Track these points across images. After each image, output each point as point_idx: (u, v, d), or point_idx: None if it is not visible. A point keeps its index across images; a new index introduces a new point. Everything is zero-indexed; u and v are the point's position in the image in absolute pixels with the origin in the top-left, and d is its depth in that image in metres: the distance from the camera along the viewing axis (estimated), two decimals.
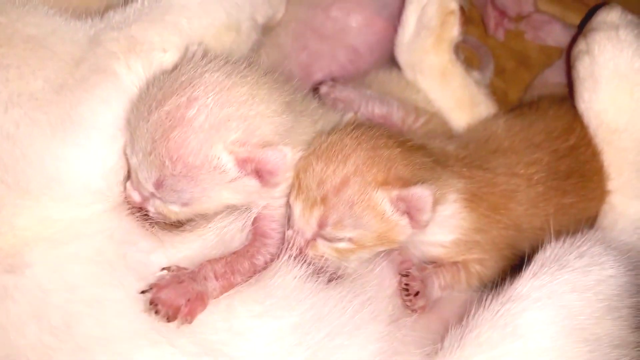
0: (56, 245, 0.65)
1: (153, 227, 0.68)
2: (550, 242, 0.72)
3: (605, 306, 0.68)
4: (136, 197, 0.67)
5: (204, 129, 0.63)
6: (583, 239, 0.72)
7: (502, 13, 1.09)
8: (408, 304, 0.71)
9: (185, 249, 0.67)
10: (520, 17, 1.09)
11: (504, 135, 0.83)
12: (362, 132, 0.70)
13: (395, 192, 0.67)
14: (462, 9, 0.88)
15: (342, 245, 0.69)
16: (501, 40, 1.10)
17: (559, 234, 0.73)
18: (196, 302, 0.62)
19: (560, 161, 0.82)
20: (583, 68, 0.83)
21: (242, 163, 0.64)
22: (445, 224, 0.74)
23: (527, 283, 0.67)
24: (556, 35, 1.08)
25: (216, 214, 0.69)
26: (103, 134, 0.67)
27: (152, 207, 0.67)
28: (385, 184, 0.67)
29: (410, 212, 0.68)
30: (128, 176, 0.68)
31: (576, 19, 1.06)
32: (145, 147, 0.64)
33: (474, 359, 0.66)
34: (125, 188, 0.68)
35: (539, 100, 0.92)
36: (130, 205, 0.68)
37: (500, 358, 0.65)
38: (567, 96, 0.90)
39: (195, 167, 0.63)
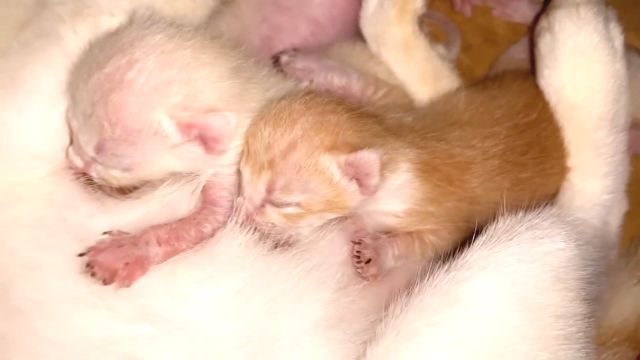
0: None
1: (96, 192, 0.66)
2: (504, 214, 0.70)
3: (551, 277, 0.67)
4: (78, 162, 0.66)
5: (144, 91, 0.61)
6: (536, 212, 0.71)
7: None
8: (359, 271, 0.70)
9: (129, 215, 0.66)
10: None
11: (464, 108, 0.83)
12: (312, 98, 0.69)
13: (342, 157, 0.66)
14: None
15: (290, 210, 0.68)
16: (468, 16, 1.08)
17: (515, 209, 0.72)
18: (135, 266, 0.61)
19: (520, 136, 0.81)
20: (544, 45, 0.83)
21: (184, 128, 0.63)
22: (398, 194, 0.73)
23: (474, 253, 0.66)
24: (523, 12, 1.07)
25: (162, 181, 0.67)
26: (45, 98, 0.66)
27: (94, 172, 0.65)
28: (332, 148, 0.66)
29: (358, 177, 0.67)
30: (71, 141, 0.66)
31: None
32: (85, 109, 0.62)
33: (416, 324, 0.64)
34: (67, 153, 0.66)
35: (502, 75, 0.90)
36: (74, 171, 0.66)
37: (442, 324, 0.64)
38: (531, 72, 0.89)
39: (134, 130, 0.62)
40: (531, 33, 0.94)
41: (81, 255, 0.61)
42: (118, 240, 0.62)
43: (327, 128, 0.67)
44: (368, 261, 0.70)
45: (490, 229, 0.69)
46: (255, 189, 0.67)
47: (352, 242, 0.71)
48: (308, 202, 0.68)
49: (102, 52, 0.63)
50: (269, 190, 0.67)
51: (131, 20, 0.67)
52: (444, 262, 0.68)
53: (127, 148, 0.63)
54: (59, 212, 0.65)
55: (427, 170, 0.74)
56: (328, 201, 0.68)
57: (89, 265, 0.60)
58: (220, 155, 0.66)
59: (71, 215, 0.65)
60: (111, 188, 0.66)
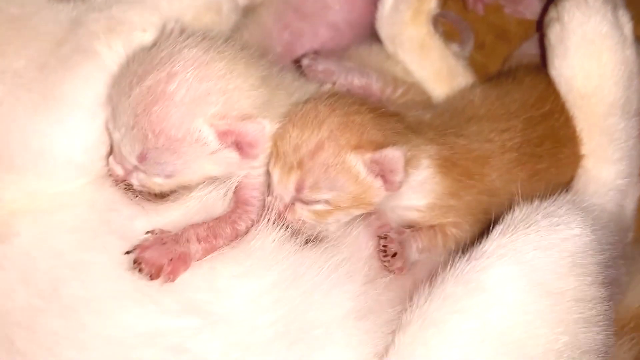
0: (42, 215, 0.67)
1: (136, 196, 0.69)
2: (520, 203, 0.72)
3: (569, 262, 0.68)
4: (119, 171, 0.69)
5: (185, 102, 0.64)
6: (552, 200, 0.73)
7: None
8: (386, 264, 0.73)
9: (168, 216, 0.69)
10: None
11: (479, 103, 0.84)
12: (336, 99, 0.72)
13: (368, 155, 0.69)
14: None
15: (319, 207, 0.71)
16: (480, 14, 1.09)
17: (532, 198, 0.74)
18: (178, 262, 0.64)
19: (534, 128, 0.83)
20: (554, 35, 0.84)
21: (222, 136, 0.66)
22: (420, 189, 0.75)
23: (493, 242, 0.68)
24: (534, 9, 1.07)
25: (198, 184, 0.70)
26: (85, 111, 0.69)
27: (135, 180, 0.69)
28: (358, 147, 0.69)
29: (383, 173, 0.69)
30: (111, 151, 0.70)
31: None
32: (127, 121, 0.65)
33: (440, 312, 0.67)
34: (108, 162, 0.69)
35: (515, 69, 0.92)
36: (113, 178, 0.69)
37: (465, 311, 0.66)
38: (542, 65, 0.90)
39: (177, 139, 0.65)
40: (540, 25, 0.96)
41: (128, 253, 0.64)
42: (161, 238, 0.65)
43: (352, 128, 0.70)
44: (394, 255, 0.73)
45: (508, 218, 0.71)
46: (285, 188, 0.70)
47: (378, 236, 0.74)
48: (336, 199, 0.70)
49: (141, 66, 0.66)
50: (298, 189, 0.70)
51: (164, 34, 0.70)
52: (464, 252, 0.70)
53: (170, 156, 0.66)
54: (102, 216, 0.68)
55: (447, 166, 0.77)
56: (355, 198, 0.71)
57: (136, 261, 0.63)
58: (255, 159, 0.70)
59: (113, 217, 0.68)
60: (149, 193, 0.69)
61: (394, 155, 0.69)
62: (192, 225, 0.67)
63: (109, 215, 0.68)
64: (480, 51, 1.09)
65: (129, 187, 0.69)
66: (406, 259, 0.74)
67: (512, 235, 0.69)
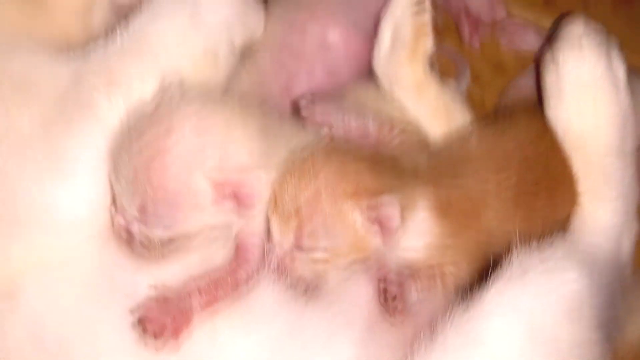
0: (47, 271, 0.68)
1: (137, 250, 0.70)
2: (517, 246, 0.74)
3: (565, 308, 0.70)
4: (121, 221, 0.70)
5: (182, 157, 0.66)
6: (548, 243, 0.75)
7: (477, 20, 1.11)
8: (386, 307, 0.74)
9: (170, 267, 0.71)
10: (495, 23, 1.11)
11: (476, 143, 0.86)
12: (332, 147, 0.74)
13: (364, 202, 0.70)
14: (434, 23, 0.91)
15: (318, 255, 0.72)
16: (477, 48, 1.12)
17: (528, 237, 0.75)
18: (181, 320, 0.66)
19: (530, 167, 0.85)
20: (549, 77, 0.86)
21: (219, 188, 0.68)
22: (417, 230, 0.77)
23: (490, 290, 0.71)
24: (530, 41, 1.10)
25: (199, 233, 0.71)
26: (87, 166, 0.71)
27: (136, 231, 0.70)
28: (354, 195, 0.71)
29: (379, 220, 0.71)
30: (113, 201, 0.71)
31: (549, 24, 1.08)
32: (127, 175, 0.67)
33: (446, 353, 0.69)
34: (110, 213, 0.71)
35: (512, 108, 0.94)
36: (115, 229, 0.71)
37: (463, 357, 0.68)
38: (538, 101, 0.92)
39: (175, 193, 0.67)
40: (537, 62, 0.97)
41: (132, 312, 0.66)
42: (164, 295, 0.67)
43: (348, 176, 0.72)
44: (394, 297, 0.74)
45: (505, 263, 0.73)
46: (283, 236, 0.72)
47: (378, 279, 0.75)
48: (334, 246, 0.72)
49: (140, 121, 0.69)
50: (297, 237, 0.71)
51: (163, 87, 0.72)
52: (464, 297, 0.72)
53: (168, 208, 0.68)
54: (105, 271, 0.70)
55: (443, 207, 0.78)
56: (353, 244, 0.72)
57: (140, 321, 0.65)
58: (253, 208, 0.71)
59: (117, 272, 0.70)
60: (153, 246, 0.70)
61: (389, 202, 0.71)
62: (194, 278, 0.69)
63: (112, 270, 0.70)
64: (477, 83, 1.11)
65: (131, 238, 0.70)
66: (406, 300, 0.75)
67: (509, 283, 0.71)
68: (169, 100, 0.69)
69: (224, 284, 0.69)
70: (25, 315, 0.67)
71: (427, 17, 0.90)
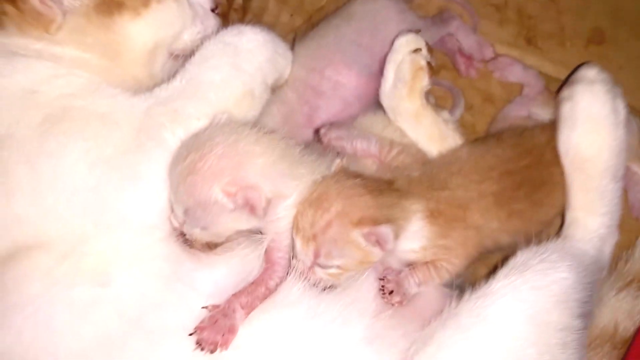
0: (130, 265, 0.83)
1: (191, 249, 0.86)
2: (521, 248, 0.89)
3: (555, 300, 0.84)
4: (175, 224, 0.86)
5: (207, 175, 0.83)
6: (546, 246, 0.89)
7: (470, 58, 1.23)
8: (385, 300, 0.88)
9: (219, 268, 0.85)
10: (485, 61, 1.23)
11: (465, 159, 0.99)
12: (342, 183, 0.86)
13: (366, 230, 0.83)
14: (429, 64, 1.03)
15: (332, 270, 0.85)
16: (474, 78, 1.24)
17: (529, 239, 0.90)
18: (229, 335, 0.80)
19: (511, 176, 0.97)
20: (565, 110, 0.97)
21: (233, 198, 0.83)
22: (413, 236, 0.90)
23: (498, 282, 0.84)
24: (517, 74, 1.22)
25: (238, 241, 0.86)
26: (157, 184, 0.85)
27: (186, 231, 0.86)
28: (359, 224, 0.83)
29: (378, 242, 0.84)
30: (172, 209, 0.87)
31: (532, 60, 1.23)
32: (175, 187, 0.84)
33: (453, 338, 0.83)
34: (169, 218, 0.87)
35: (501, 132, 1.07)
36: (177, 234, 0.86)
37: (473, 338, 0.83)
38: (526, 128, 1.05)
39: (202, 201, 0.83)
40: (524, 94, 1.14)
41: (191, 334, 0.80)
42: (213, 317, 0.80)
43: (354, 209, 0.84)
44: (391, 292, 0.87)
45: (511, 262, 0.87)
46: (305, 255, 0.85)
47: (379, 278, 0.89)
48: (345, 264, 0.85)
49: (186, 148, 0.85)
50: (315, 256, 0.84)
51: (213, 122, 0.89)
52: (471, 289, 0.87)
53: (202, 213, 0.84)
54: (171, 266, 0.84)
55: (434, 215, 0.90)
56: (360, 261, 0.85)
57: (197, 342, 0.79)
58: (261, 217, 0.85)
59: (180, 268, 0.84)
60: (201, 245, 0.86)
61: (384, 231, 0.83)
62: (235, 295, 0.82)
63: (176, 267, 0.84)
64: (469, 112, 1.22)
65: (186, 240, 0.86)
66: (405, 294, 0.88)
67: (512, 277, 0.84)
68: (208, 133, 0.86)
69: (259, 295, 0.83)
70: (114, 300, 0.81)
71: (422, 60, 1.02)
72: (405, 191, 0.90)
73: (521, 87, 1.21)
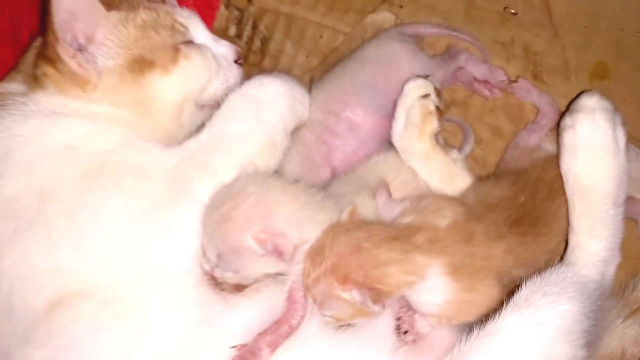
0: (166, 310, 0.87)
1: (221, 292, 0.92)
2: (525, 282, 0.90)
3: (559, 332, 0.86)
4: (207, 268, 0.92)
5: (239, 223, 0.89)
6: (548, 279, 0.90)
7: (487, 82, 1.26)
8: (400, 339, 0.92)
9: (246, 312, 0.90)
10: (509, 82, 1.25)
11: (473, 203, 1.02)
12: (343, 235, 0.88)
13: (353, 291, 0.85)
14: (438, 108, 1.07)
15: (328, 319, 0.88)
16: (498, 97, 1.26)
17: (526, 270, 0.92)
18: None
19: (512, 213, 1.00)
20: (567, 138, 0.99)
21: (262, 245, 0.89)
22: (435, 291, 0.89)
23: (503, 319, 0.86)
24: (534, 98, 1.24)
25: (264, 283, 0.92)
26: (189, 233, 0.91)
27: (217, 274, 0.92)
28: (344, 283, 0.85)
29: (365, 302, 0.85)
30: (203, 254, 0.93)
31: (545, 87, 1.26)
32: (210, 234, 0.90)
33: None
34: (200, 261, 0.93)
35: (500, 174, 1.12)
36: (207, 277, 0.92)
37: None
38: (523, 172, 1.08)
39: (235, 247, 0.89)
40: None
41: None
42: (242, 355, 0.85)
43: (342, 267, 0.85)
44: (405, 332, 0.91)
45: (516, 297, 0.88)
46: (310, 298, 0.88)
47: (395, 319, 0.93)
48: (338, 314, 0.88)
49: (219, 198, 0.92)
50: (314, 303, 0.88)
51: (240, 173, 0.94)
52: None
53: (234, 257, 0.90)
54: (203, 310, 0.89)
55: (458, 271, 0.89)
56: (353, 313, 0.87)
57: None
58: (289, 262, 0.89)
59: (210, 311, 0.89)
60: (230, 287, 0.92)
61: (364, 294, 0.84)
62: (261, 334, 0.87)
63: (207, 310, 0.89)
64: (479, 146, 1.27)
65: (217, 285, 0.92)
66: (417, 333, 0.92)
67: (517, 313, 0.86)
68: (239, 184, 0.92)
69: (283, 333, 0.87)
70: (153, 345, 0.86)
71: (431, 105, 1.06)
72: (425, 245, 0.90)
73: (528, 122, 1.25)
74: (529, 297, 0.88)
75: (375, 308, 0.86)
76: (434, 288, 0.89)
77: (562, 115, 1.07)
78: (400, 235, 0.90)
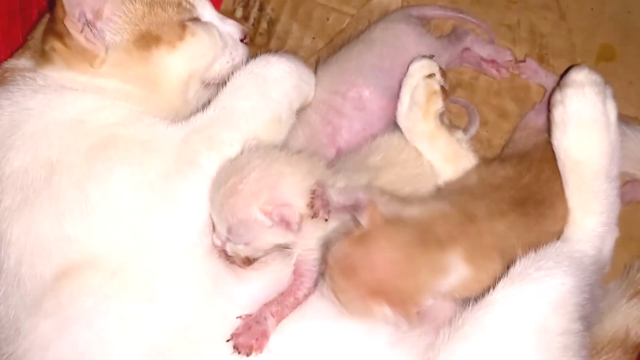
0: (174, 281, 0.88)
1: (231, 265, 0.93)
2: (520, 258, 0.91)
3: (553, 305, 0.87)
4: (218, 242, 0.94)
5: (247, 196, 0.90)
6: (543, 253, 0.91)
7: (494, 61, 1.26)
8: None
9: (255, 282, 0.92)
10: (517, 62, 1.26)
11: (475, 184, 1.04)
12: (376, 252, 0.88)
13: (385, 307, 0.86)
14: (443, 88, 1.07)
15: None
16: (508, 76, 1.26)
17: (528, 250, 0.93)
18: (262, 339, 0.87)
19: (516, 194, 1.01)
20: (557, 114, 0.98)
21: (269, 216, 0.90)
22: (455, 276, 0.90)
23: (498, 292, 0.88)
24: (541, 78, 1.25)
25: (272, 256, 0.93)
26: (197, 205, 0.92)
27: (228, 248, 0.93)
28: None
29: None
30: (213, 228, 0.95)
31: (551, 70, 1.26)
32: (218, 208, 0.92)
33: (458, 348, 0.87)
34: (211, 237, 0.94)
35: (504, 157, 1.12)
36: (217, 250, 0.93)
37: (478, 342, 0.87)
38: (527, 152, 1.09)
39: (243, 219, 0.90)
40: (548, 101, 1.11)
41: (228, 340, 0.86)
42: (247, 324, 0.87)
43: (375, 285, 0.86)
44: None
45: (510, 271, 0.89)
46: None
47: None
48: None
49: (225, 173, 0.93)
50: None
51: (245, 147, 0.95)
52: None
53: (243, 230, 0.91)
54: (213, 281, 0.90)
55: (470, 252, 0.90)
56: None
57: (234, 347, 0.86)
58: (297, 232, 0.90)
59: (220, 283, 0.90)
60: (241, 260, 0.93)
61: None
62: (266, 304, 0.88)
63: (217, 281, 0.90)
64: (485, 128, 1.27)
65: (227, 257, 0.93)
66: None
67: (511, 286, 0.87)
68: (245, 157, 0.93)
69: (288, 304, 0.89)
70: (162, 315, 0.87)
71: (436, 84, 1.06)
72: (446, 239, 0.91)
73: (544, 91, 1.25)
74: (523, 271, 0.89)
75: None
76: (453, 274, 0.90)
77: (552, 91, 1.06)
78: (424, 237, 0.90)
